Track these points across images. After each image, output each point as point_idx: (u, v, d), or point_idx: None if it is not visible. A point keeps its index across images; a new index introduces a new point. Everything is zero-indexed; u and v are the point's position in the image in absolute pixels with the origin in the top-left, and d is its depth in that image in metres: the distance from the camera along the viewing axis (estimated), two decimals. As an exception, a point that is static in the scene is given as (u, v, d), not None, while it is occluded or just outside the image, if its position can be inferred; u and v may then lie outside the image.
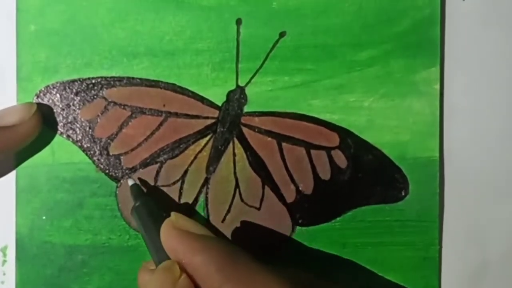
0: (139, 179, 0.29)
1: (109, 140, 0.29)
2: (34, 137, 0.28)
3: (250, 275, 0.22)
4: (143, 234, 0.26)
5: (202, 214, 0.29)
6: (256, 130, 0.29)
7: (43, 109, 0.28)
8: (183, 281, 0.22)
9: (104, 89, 0.29)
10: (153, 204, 0.26)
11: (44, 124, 0.28)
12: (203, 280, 0.22)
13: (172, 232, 0.23)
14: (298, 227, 0.29)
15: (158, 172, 0.29)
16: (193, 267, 0.22)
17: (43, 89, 0.29)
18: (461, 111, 0.29)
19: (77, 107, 0.29)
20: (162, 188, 0.29)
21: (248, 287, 0.21)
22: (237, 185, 0.29)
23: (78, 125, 0.29)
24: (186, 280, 0.22)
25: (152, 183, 0.29)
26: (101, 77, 0.29)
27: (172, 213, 0.25)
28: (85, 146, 0.29)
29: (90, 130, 0.29)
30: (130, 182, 0.28)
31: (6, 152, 0.28)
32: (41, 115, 0.28)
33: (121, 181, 0.29)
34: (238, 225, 0.29)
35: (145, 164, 0.29)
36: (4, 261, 0.29)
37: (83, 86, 0.29)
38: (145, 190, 0.28)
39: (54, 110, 0.29)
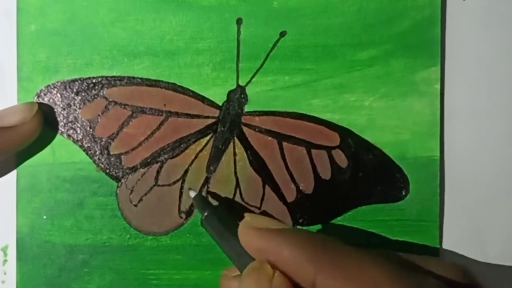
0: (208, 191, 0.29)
1: (109, 140, 0.29)
2: (36, 137, 0.28)
3: (343, 258, 0.21)
4: (219, 242, 0.25)
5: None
6: (257, 129, 0.29)
7: (44, 108, 0.28)
8: (278, 278, 0.21)
9: (105, 88, 0.29)
10: (222, 211, 0.26)
11: (44, 123, 0.28)
12: (296, 273, 0.21)
13: (252, 232, 0.23)
14: (298, 227, 0.29)
15: (158, 172, 0.29)
16: (283, 263, 0.21)
17: (43, 88, 0.29)
18: (461, 111, 0.29)
19: (78, 107, 0.29)
20: (162, 187, 0.29)
21: (343, 271, 0.20)
22: (237, 185, 0.29)
23: (78, 125, 0.29)
24: (281, 277, 0.21)
25: (152, 183, 0.29)
26: (102, 77, 0.29)
27: (246, 214, 0.24)
28: (85, 145, 0.29)
29: (91, 130, 0.29)
30: (192, 193, 0.27)
31: (7, 152, 0.28)
32: (42, 114, 0.28)
33: (122, 181, 0.29)
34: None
35: (145, 163, 0.29)
36: (5, 261, 0.29)
37: (84, 85, 0.29)
38: (208, 198, 0.28)
39: (55, 110, 0.29)
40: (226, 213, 0.26)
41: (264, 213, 0.29)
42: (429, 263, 0.23)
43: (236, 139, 0.29)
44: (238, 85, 0.29)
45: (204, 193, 0.28)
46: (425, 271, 0.22)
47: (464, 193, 0.29)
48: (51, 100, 0.29)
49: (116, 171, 0.29)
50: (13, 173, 0.29)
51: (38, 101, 0.29)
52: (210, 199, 0.29)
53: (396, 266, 0.21)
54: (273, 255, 0.22)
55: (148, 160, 0.29)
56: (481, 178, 0.29)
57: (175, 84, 0.29)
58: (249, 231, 0.23)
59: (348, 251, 0.21)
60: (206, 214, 0.26)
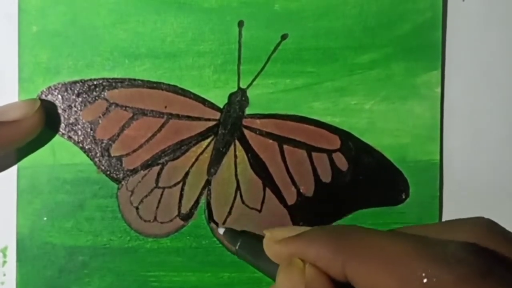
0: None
1: (110, 142, 0.29)
2: (37, 133, 0.28)
3: (365, 244, 0.21)
4: (259, 268, 0.25)
5: (203, 216, 0.29)
6: (258, 132, 0.29)
7: (46, 106, 0.28)
8: (310, 269, 0.21)
9: (106, 90, 0.29)
10: (251, 237, 0.26)
11: (45, 124, 0.28)
12: (327, 268, 0.21)
13: (275, 246, 0.23)
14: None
15: (159, 174, 0.29)
16: (312, 262, 0.21)
17: (44, 90, 0.29)
18: (461, 114, 0.29)
19: (79, 108, 0.29)
20: (163, 189, 0.29)
21: (368, 256, 0.20)
22: (238, 187, 0.29)
23: (79, 126, 0.29)
24: (312, 267, 0.21)
25: (153, 185, 0.29)
26: (103, 79, 0.29)
27: (265, 231, 0.24)
28: (86, 147, 0.29)
29: (92, 132, 0.29)
30: (221, 230, 0.28)
31: (8, 147, 0.28)
32: (44, 111, 0.28)
33: (122, 183, 0.29)
34: (239, 227, 0.29)
35: (146, 165, 0.29)
36: (4, 262, 0.29)
37: (85, 87, 0.29)
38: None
39: (56, 111, 0.29)
40: (255, 238, 0.26)
41: (265, 217, 0.29)
42: (449, 228, 0.22)
43: (237, 142, 0.29)
44: (239, 88, 0.29)
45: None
46: (445, 237, 0.22)
47: (463, 196, 0.29)
48: (52, 102, 0.29)
49: (117, 173, 0.29)
50: (14, 174, 0.29)
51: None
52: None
53: (416, 238, 0.21)
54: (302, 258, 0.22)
55: (149, 162, 0.29)
56: (480, 182, 0.29)
57: (176, 86, 0.29)
58: (272, 246, 0.23)
59: (368, 235, 0.21)
60: (239, 243, 0.26)
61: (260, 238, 0.25)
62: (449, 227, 0.22)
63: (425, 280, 0.18)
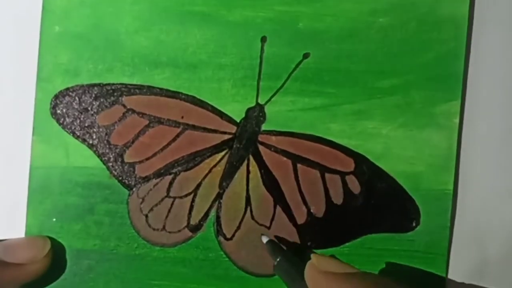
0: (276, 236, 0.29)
1: (124, 148, 0.29)
2: (43, 274, 0.27)
3: None
4: (291, 286, 0.26)
5: (212, 229, 0.29)
6: (272, 149, 0.29)
7: (61, 110, 0.29)
8: None
9: (124, 96, 0.29)
10: (292, 255, 0.27)
11: (61, 124, 0.28)
12: None
13: (318, 276, 0.23)
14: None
15: (171, 183, 0.29)
16: None
17: (62, 91, 0.29)
18: (479, 146, 0.29)
19: (95, 112, 0.29)
20: (174, 198, 0.29)
21: None
22: (248, 202, 0.29)
23: (95, 130, 0.29)
24: None
25: (164, 194, 0.29)
26: (122, 84, 0.29)
27: (313, 256, 0.24)
28: (100, 151, 0.29)
29: (107, 136, 0.29)
30: (265, 239, 0.28)
31: (12, 286, 0.27)
32: (53, 252, 0.28)
33: (134, 189, 0.29)
34: (247, 242, 0.29)
35: (159, 174, 0.29)
36: (10, 260, 0.29)
37: (103, 91, 0.29)
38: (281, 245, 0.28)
39: (72, 113, 0.29)
40: (296, 258, 0.27)
41: (274, 234, 0.29)
42: None
43: (251, 157, 0.29)
44: (257, 103, 0.29)
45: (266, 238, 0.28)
46: None
47: (474, 228, 0.29)
48: (69, 103, 0.29)
49: (129, 179, 0.29)
50: (26, 174, 0.29)
51: (55, 103, 0.29)
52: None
53: None
54: None
55: (162, 171, 0.29)
56: (494, 215, 0.29)
57: (195, 97, 0.29)
58: (315, 275, 0.23)
59: None
60: (278, 259, 0.27)
61: (298, 260, 0.25)
62: None
63: None
